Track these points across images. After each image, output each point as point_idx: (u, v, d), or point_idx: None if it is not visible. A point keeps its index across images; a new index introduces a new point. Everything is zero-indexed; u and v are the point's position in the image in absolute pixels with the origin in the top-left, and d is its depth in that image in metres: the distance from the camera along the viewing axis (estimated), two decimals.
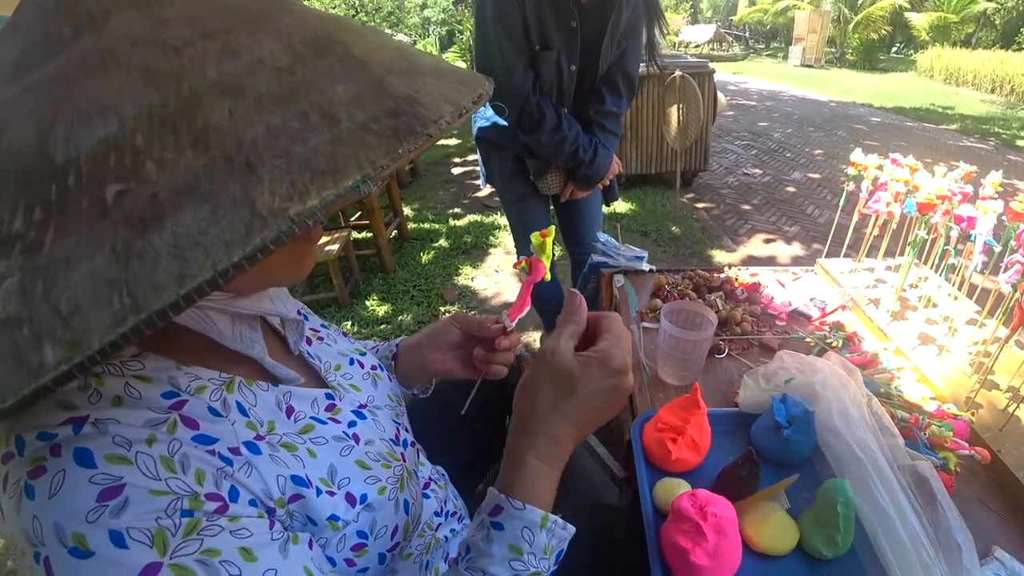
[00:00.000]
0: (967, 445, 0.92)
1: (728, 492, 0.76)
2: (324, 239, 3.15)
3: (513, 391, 0.63)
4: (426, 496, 0.81)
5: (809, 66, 20.15)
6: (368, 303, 3.29)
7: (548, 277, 0.73)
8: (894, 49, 25.40)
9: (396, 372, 0.91)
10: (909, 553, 0.66)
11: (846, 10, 21.17)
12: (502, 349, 0.79)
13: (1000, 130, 9.14)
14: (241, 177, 0.30)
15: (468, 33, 14.49)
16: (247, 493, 0.49)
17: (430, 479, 0.86)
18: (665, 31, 1.77)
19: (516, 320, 0.75)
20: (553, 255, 0.75)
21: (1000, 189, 1.24)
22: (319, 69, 0.35)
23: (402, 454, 0.70)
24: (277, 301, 0.62)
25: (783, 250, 4.09)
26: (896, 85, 15.52)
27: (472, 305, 3.30)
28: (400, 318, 3.15)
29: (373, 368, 0.79)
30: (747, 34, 30.66)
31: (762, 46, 30.48)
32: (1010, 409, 1.03)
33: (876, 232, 1.43)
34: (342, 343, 0.79)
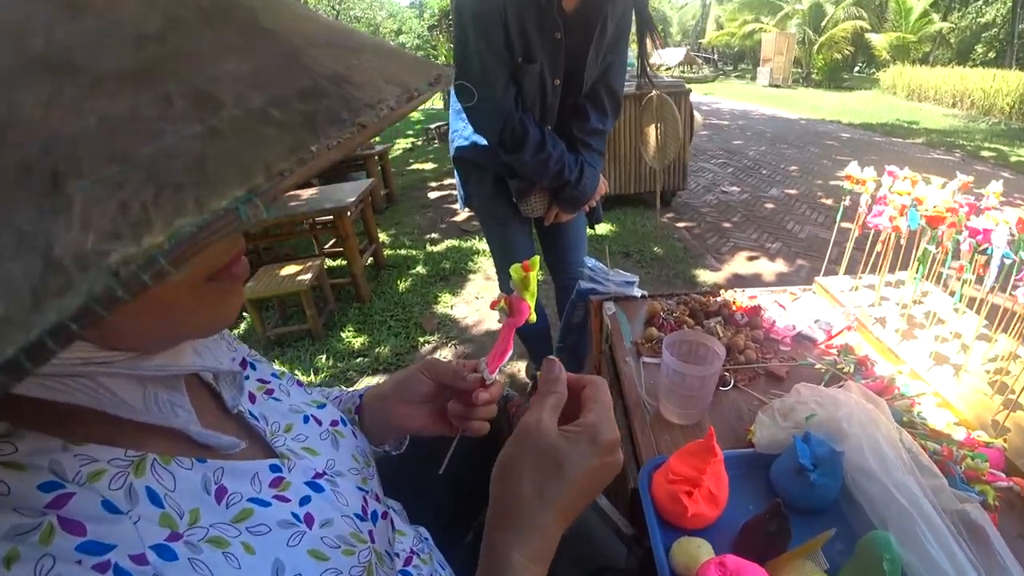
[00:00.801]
0: (1004, 476, 0.83)
1: (754, 552, 0.65)
2: (296, 268, 3.02)
3: (500, 434, 0.52)
4: None
5: (777, 86, 20.70)
6: (343, 335, 3.15)
7: (533, 318, 0.61)
8: (856, 68, 26.26)
9: (361, 427, 0.78)
10: None
11: (810, 32, 21.94)
12: (481, 403, 0.66)
13: (964, 142, 9.41)
14: (38, 199, 0.19)
15: (443, 59, 14.61)
16: None
17: (412, 552, 0.72)
18: (658, 44, 1.69)
19: (497, 370, 0.64)
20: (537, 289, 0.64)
21: (1001, 199, 1.18)
22: (205, 39, 0.24)
23: (370, 532, 0.57)
24: (204, 352, 0.50)
25: (767, 267, 4.05)
26: (861, 102, 16.01)
27: (452, 334, 3.17)
28: (377, 350, 3.01)
29: (333, 424, 0.66)
30: (716, 56, 31.45)
31: (731, 68, 31.30)
32: None
33: (880, 248, 1.35)
34: (296, 395, 0.66)
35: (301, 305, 3.00)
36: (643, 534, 0.76)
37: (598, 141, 1.76)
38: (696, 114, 4.93)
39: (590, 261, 1.60)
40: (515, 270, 0.60)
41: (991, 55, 22.18)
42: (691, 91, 4.71)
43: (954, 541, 0.64)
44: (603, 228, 4.67)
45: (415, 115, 16.28)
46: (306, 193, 3.69)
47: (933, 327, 1.30)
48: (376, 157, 5.36)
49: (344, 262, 4.09)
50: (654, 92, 4.00)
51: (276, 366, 0.71)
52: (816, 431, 0.81)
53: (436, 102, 18.90)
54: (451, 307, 3.49)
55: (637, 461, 0.96)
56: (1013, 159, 8.08)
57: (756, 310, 1.35)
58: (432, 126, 10.35)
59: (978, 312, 1.21)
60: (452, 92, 1.80)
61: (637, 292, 1.52)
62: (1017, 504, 0.84)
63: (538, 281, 0.63)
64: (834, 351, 1.22)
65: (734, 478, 0.81)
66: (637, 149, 4.66)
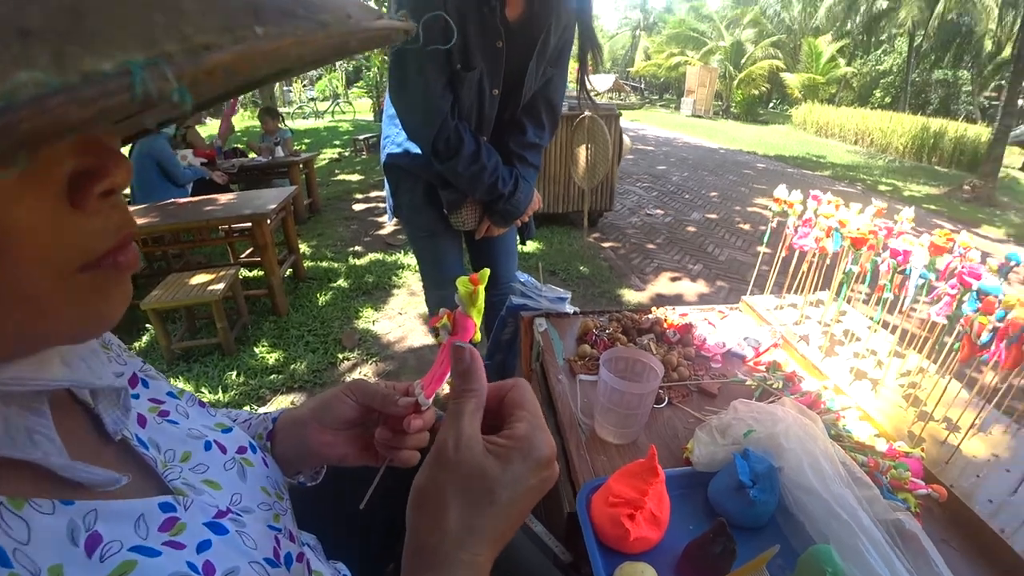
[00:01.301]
0: (924, 484, 0.86)
1: (698, 573, 0.61)
2: (208, 277, 2.82)
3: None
4: None
5: (699, 116, 21.83)
6: (257, 350, 2.95)
7: (478, 337, 0.54)
8: (772, 104, 28.14)
9: (273, 454, 0.67)
10: None
11: (731, 68, 23.40)
12: (413, 431, 0.58)
13: (864, 176, 10.30)
14: None
15: (375, 70, 14.40)
16: None
17: None
18: (601, 60, 1.68)
19: (434, 395, 0.56)
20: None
21: (913, 224, 1.25)
22: None
23: None
24: (77, 364, 0.41)
25: (690, 287, 4.17)
26: (776, 136, 17.19)
27: (374, 351, 3.04)
28: (293, 367, 2.83)
29: (240, 451, 0.56)
30: (643, 85, 32.80)
31: (656, 97, 32.71)
32: (952, 441, 0.99)
33: (805, 267, 1.40)
34: (197, 418, 0.55)
35: (212, 317, 2.79)
36: (582, 561, 0.71)
37: (534, 155, 1.73)
38: (625, 138, 5.07)
39: (522, 276, 1.56)
40: (462, 283, 0.53)
41: (887, 100, 24.48)
42: (621, 115, 4.84)
43: (891, 551, 0.64)
44: (530, 246, 4.68)
45: (344, 125, 15.96)
46: (224, 198, 3.48)
47: (851, 344, 1.35)
48: (300, 165, 5.16)
49: (261, 273, 3.87)
50: (586, 114, 4.07)
51: (179, 384, 0.60)
52: (755, 447, 0.79)
53: (365, 112, 18.63)
54: (373, 322, 3.36)
55: (572, 483, 0.92)
56: (906, 193, 8.91)
57: (688, 328, 1.35)
58: (361, 137, 10.13)
59: (892, 332, 1.28)
60: (387, 98, 1.73)
61: (569, 309, 1.50)
62: (935, 510, 0.88)
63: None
64: (763, 368, 1.24)
65: (672, 498, 0.79)
66: (567, 169, 4.72)
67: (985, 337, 0.93)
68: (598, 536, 0.73)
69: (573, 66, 1.71)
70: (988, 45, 19.82)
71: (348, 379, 0.59)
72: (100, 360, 0.45)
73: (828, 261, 1.34)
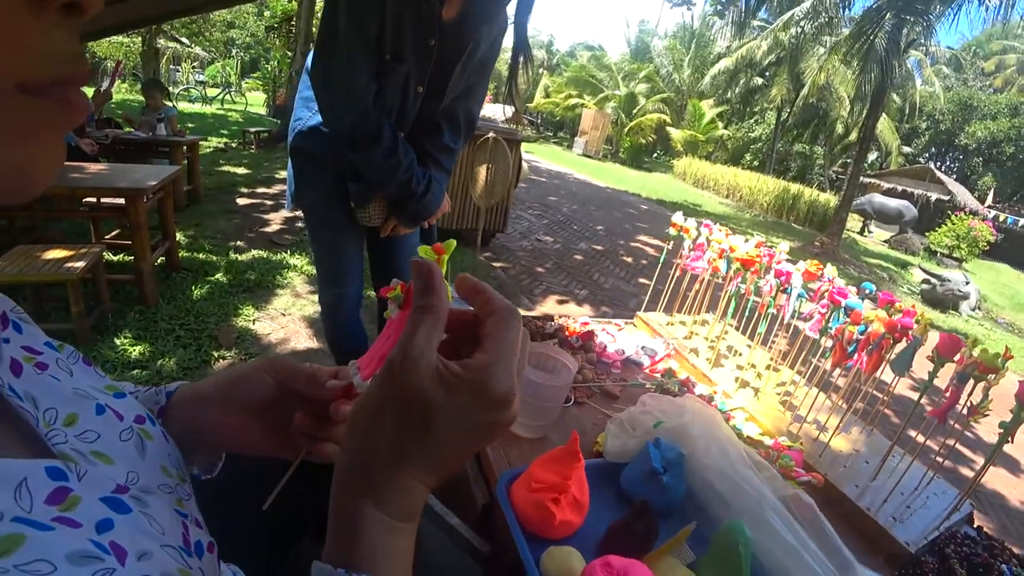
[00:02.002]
0: (805, 471, 0.97)
1: (623, 552, 0.63)
2: (64, 253, 2.49)
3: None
4: None
5: (589, 156, 22.96)
6: (118, 341, 2.65)
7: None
8: (656, 154, 30.23)
9: None
10: None
11: (623, 115, 24.88)
12: (341, 420, 0.51)
13: (734, 226, 11.33)
14: None
15: (274, 63, 13.72)
16: None
17: None
18: (531, 70, 1.70)
19: (372, 376, 0.46)
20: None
21: (787, 256, 1.40)
22: None
23: (200, 569, 0.40)
24: None
25: (576, 311, 4.33)
26: (658, 183, 18.53)
27: (253, 351, 2.84)
28: (161, 362, 2.57)
29: (139, 420, 0.46)
30: (539, 121, 33.95)
31: (551, 133, 33.96)
32: (822, 439, 1.15)
33: (698, 287, 1.51)
34: (82, 376, 0.45)
35: (65, 299, 2.47)
36: (503, 551, 0.69)
37: (448, 159, 1.71)
38: (524, 164, 5.21)
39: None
40: (425, 252, 0.45)
41: (755, 163, 27.41)
42: (522, 141, 4.98)
43: (793, 519, 0.71)
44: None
45: (233, 115, 15.03)
46: (93, 167, 3.11)
47: (734, 358, 1.49)
48: (184, 147, 4.77)
49: (127, 258, 3.50)
50: (491, 134, 4.14)
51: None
52: (664, 437, 0.83)
53: (259, 106, 17.68)
54: (253, 321, 3.14)
55: (486, 477, 0.90)
56: (772, 248, 9.96)
57: (590, 335, 1.40)
58: (252, 130, 9.59)
59: (768, 349, 1.43)
60: (303, 77, 1.65)
61: (469, 308, 1.49)
62: (815, 494, 0.98)
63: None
64: (658, 374, 1.32)
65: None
66: (466, 186, 4.76)
67: (851, 347, 1.09)
68: (521, 523, 0.73)
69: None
70: (839, 128, 22.84)
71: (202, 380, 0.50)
72: None
73: (721, 280, 1.46)
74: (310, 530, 0.95)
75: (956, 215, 14.13)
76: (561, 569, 0.63)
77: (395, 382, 0.38)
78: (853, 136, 20.58)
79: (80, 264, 2.41)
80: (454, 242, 0.47)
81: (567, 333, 1.41)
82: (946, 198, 17.73)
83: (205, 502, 0.59)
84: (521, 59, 1.56)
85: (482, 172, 4.27)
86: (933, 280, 8.12)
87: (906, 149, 26.19)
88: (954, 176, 24.25)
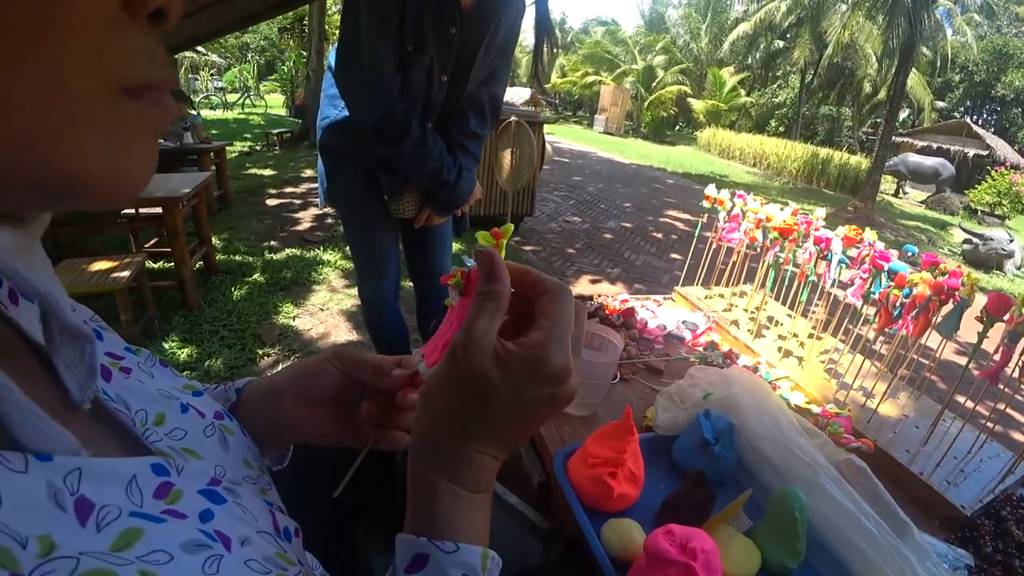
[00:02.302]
0: (854, 438, 0.97)
1: (680, 522, 0.64)
2: (109, 264, 2.59)
3: None
4: None
5: (611, 133, 22.68)
6: (166, 344, 2.75)
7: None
8: (678, 127, 29.72)
9: None
10: (879, 542, 0.64)
11: (643, 90, 24.52)
12: (408, 408, 0.53)
13: (763, 195, 11.02)
14: None
15: (290, 64, 13.84)
16: None
17: None
18: (557, 47, 1.70)
19: (437, 363, 0.48)
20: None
21: (824, 223, 1.38)
22: None
23: (292, 553, 0.42)
24: (35, 272, 0.31)
25: (609, 289, 4.32)
26: (682, 155, 18.24)
27: (295, 347, 2.92)
28: (208, 363, 2.66)
29: (218, 416, 0.48)
30: (558, 101, 33.64)
31: (570, 113, 33.62)
32: (870, 405, 1.14)
33: (735, 259, 1.50)
34: (161, 376, 0.46)
35: (114, 308, 2.56)
36: (563, 526, 0.71)
37: (476, 145, 1.73)
38: (548, 145, 5.19)
39: (470, 261, 1.56)
40: (484, 238, 0.47)
41: (781, 129, 26.73)
42: (544, 123, 4.95)
43: (847, 484, 0.71)
44: (454, 247, 4.67)
45: (255, 118, 15.23)
46: None
47: (776, 328, 1.48)
48: (212, 153, 4.87)
49: (167, 264, 3.60)
50: (513, 118, 4.13)
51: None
52: (714, 408, 0.84)
53: (278, 107, 17.88)
54: (293, 318, 3.22)
55: (540, 455, 0.93)
56: (808, 214, 9.74)
57: (631, 312, 1.41)
58: (274, 131, 9.72)
59: (808, 318, 1.42)
60: (326, 75, 1.67)
61: None
62: (865, 460, 0.98)
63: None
64: (701, 347, 1.32)
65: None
66: (491, 172, 4.76)
67: (896, 311, 1.07)
68: (579, 498, 0.75)
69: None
70: (867, 87, 22.10)
71: (270, 374, 0.52)
72: (61, 290, 0.36)
73: (755, 252, 1.45)
74: (365, 515, 0.98)
75: (996, 170, 13.61)
76: (622, 540, 0.66)
77: (458, 363, 0.40)
78: (882, 94, 19.87)
79: (125, 274, 2.50)
80: (511, 226, 0.48)
81: (608, 311, 1.42)
82: (984, 153, 17.02)
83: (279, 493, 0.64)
84: (545, 38, 1.57)
85: (507, 157, 4.27)
86: (975, 240, 7.85)
87: (939, 104, 25.28)
88: (992, 129, 23.31)
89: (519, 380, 0.40)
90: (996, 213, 12.76)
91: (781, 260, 1.35)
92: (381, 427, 0.55)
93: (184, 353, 2.71)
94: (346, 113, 1.57)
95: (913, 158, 15.21)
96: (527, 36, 1.65)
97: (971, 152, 17.39)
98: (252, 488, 0.44)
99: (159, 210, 2.97)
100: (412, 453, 0.43)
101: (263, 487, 0.47)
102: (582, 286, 4.33)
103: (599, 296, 1.52)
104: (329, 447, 0.60)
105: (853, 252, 1.23)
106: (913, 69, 14.85)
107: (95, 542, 0.28)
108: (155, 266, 3.68)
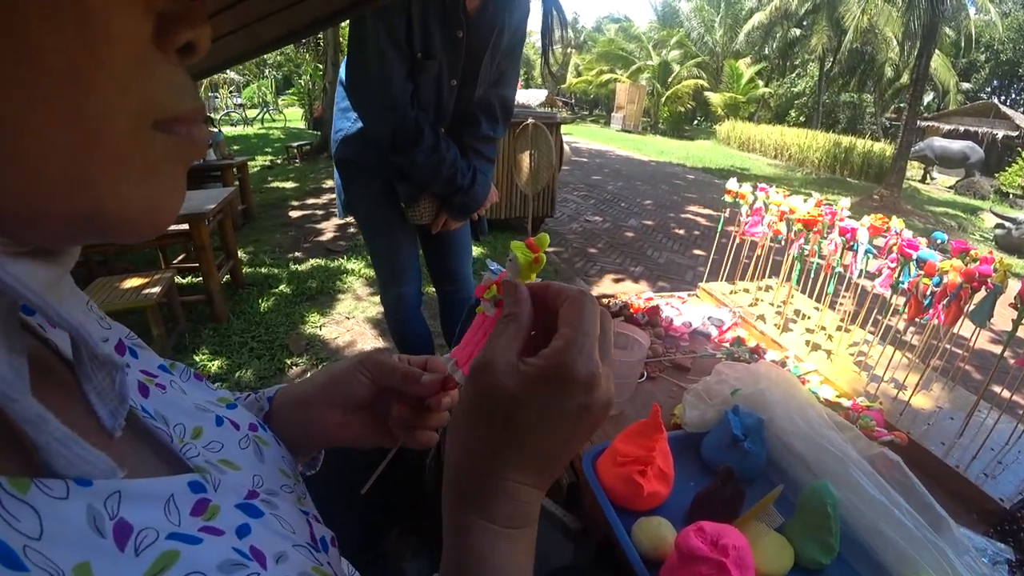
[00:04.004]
0: (887, 431, 0.96)
1: (711, 519, 0.64)
2: (140, 281, 2.66)
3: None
4: None
5: (628, 131, 22.56)
6: (197, 357, 2.81)
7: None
8: (696, 121, 29.46)
9: None
10: (914, 536, 0.63)
11: (659, 86, 24.40)
12: (444, 410, 0.53)
13: (786, 187, 10.86)
14: None
15: (307, 77, 14.07)
16: None
17: None
18: (571, 45, 1.71)
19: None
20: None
21: (849, 212, 1.36)
22: None
23: (328, 564, 0.42)
24: (67, 307, 0.31)
25: (632, 288, 4.30)
26: (701, 150, 18.04)
27: (323, 356, 2.96)
28: (238, 374, 2.72)
29: (252, 428, 0.48)
30: (574, 101, 33.57)
31: (587, 112, 33.54)
32: (902, 397, 1.11)
33: (759, 252, 1.49)
34: (196, 392, 0.47)
35: (146, 323, 2.63)
36: (595, 527, 0.72)
37: (489, 148, 1.74)
38: (565, 146, 5.19)
39: (493, 265, 1.57)
40: (520, 250, 0.46)
41: (801, 119, 26.35)
42: (562, 123, 4.95)
43: (881, 478, 0.70)
44: (475, 250, 4.69)
45: (275, 132, 15.48)
46: None
47: (803, 322, 1.46)
48: (234, 169, 4.96)
49: (195, 279, 3.68)
50: (529, 120, 4.14)
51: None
52: (742, 404, 0.84)
53: (297, 120, 18.15)
54: (320, 327, 3.27)
55: None
56: (832, 204, 9.59)
57: (655, 310, 1.40)
58: (294, 144, 9.86)
59: (836, 310, 1.41)
60: (338, 89, 1.70)
61: None
62: (899, 453, 0.97)
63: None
64: (727, 343, 1.31)
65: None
66: (510, 175, 4.77)
67: (927, 300, 1.05)
68: (609, 498, 0.75)
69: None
70: (888, 72, 21.64)
71: (299, 381, 0.54)
72: (91, 320, 0.37)
73: (779, 245, 1.43)
74: (398, 522, 0.99)
75: None
76: (653, 539, 0.66)
77: (477, 385, 0.40)
78: (905, 78, 19.44)
79: (156, 290, 2.56)
80: (546, 236, 0.47)
81: (632, 310, 1.42)
82: (1014, 134, 16.53)
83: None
84: (556, 35, 1.57)
85: (525, 159, 4.28)
86: (1008, 224, 7.63)
87: (965, 86, 24.63)
88: (1021, 109, 22.60)
89: (544, 394, 0.38)
90: None
91: (806, 252, 1.33)
92: (413, 428, 0.56)
93: (215, 365, 2.77)
94: (359, 125, 1.60)
95: (939, 142, 14.85)
96: (535, 39, 1.65)
97: (1000, 133, 16.91)
98: (289, 497, 0.45)
99: (186, 226, 3.03)
100: (445, 486, 0.41)
101: (299, 495, 0.47)
102: (605, 285, 4.32)
103: (623, 295, 1.52)
104: (361, 449, 0.60)
105: (880, 241, 1.21)
106: (936, 51, 14.50)
107: (132, 567, 0.28)
108: (184, 281, 3.77)
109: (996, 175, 14.03)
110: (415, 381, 0.54)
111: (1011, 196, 12.66)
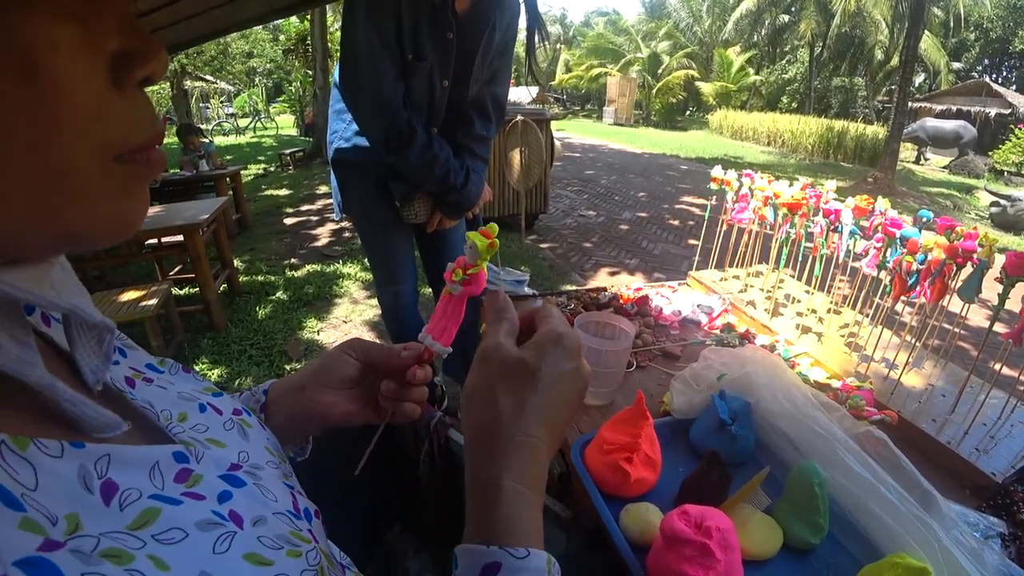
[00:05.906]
0: (876, 410, 0.96)
1: (698, 503, 0.65)
2: (137, 294, 2.67)
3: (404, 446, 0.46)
4: None
5: (621, 124, 22.53)
6: (197, 367, 2.81)
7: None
8: (688, 111, 29.40)
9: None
10: (901, 512, 0.64)
11: (649, 78, 24.35)
12: (417, 381, 0.59)
13: (780, 173, 10.88)
14: None
15: (297, 84, 14.06)
16: None
17: (343, 565, 0.61)
18: (548, 45, 1.72)
19: (449, 344, 0.58)
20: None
21: (835, 194, 1.36)
22: None
23: (309, 531, 0.44)
24: (63, 291, 0.35)
25: (628, 280, 4.29)
26: (694, 140, 18.01)
27: None
28: (239, 381, 2.72)
29: (236, 413, 0.51)
30: (565, 96, 33.54)
31: (579, 107, 33.50)
32: (893, 376, 1.11)
33: (746, 239, 1.49)
34: (183, 383, 0.50)
35: (144, 336, 2.64)
36: (584, 515, 0.72)
37: (482, 147, 1.75)
38: (556, 142, 5.19)
39: (491, 265, 1.58)
40: (477, 238, 0.54)
41: (794, 105, 26.28)
42: (552, 119, 4.95)
43: (868, 456, 0.71)
44: None
45: (267, 140, 15.48)
46: (150, 211, 3.30)
47: (793, 306, 1.47)
48: (227, 179, 4.97)
49: (192, 290, 3.70)
50: (519, 118, 4.14)
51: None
52: (729, 388, 0.84)
53: (288, 128, 18.15)
54: (318, 332, 3.27)
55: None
56: (818, 187, 9.57)
57: (644, 300, 1.41)
58: (286, 151, 9.86)
59: (827, 292, 1.41)
60: (332, 91, 1.71)
61: (527, 290, 1.52)
62: (890, 432, 0.97)
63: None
64: (717, 330, 1.32)
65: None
66: (502, 172, 4.77)
67: (911, 278, 1.05)
68: (597, 485, 0.76)
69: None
70: (879, 54, 21.62)
71: (291, 373, 0.57)
72: (87, 299, 0.39)
73: (768, 231, 1.44)
74: (400, 520, 1.00)
75: (1021, 128, 13.19)
76: (640, 524, 0.66)
77: (494, 362, 0.48)
78: (895, 61, 19.37)
79: (153, 302, 2.57)
80: (495, 225, 0.56)
81: (622, 301, 1.42)
82: (1007, 111, 16.52)
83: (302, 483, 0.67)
84: (536, 36, 1.58)
85: (516, 156, 4.28)
86: (1003, 201, 7.63)
87: (956, 65, 24.62)
88: (1013, 87, 22.55)
89: (552, 356, 0.48)
90: (1023, 173, 12.39)
91: (793, 236, 1.34)
92: (397, 400, 0.62)
93: (214, 374, 2.77)
94: (354, 126, 1.61)
95: (932, 123, 14.85)
96: (524, 37, 1.66)
97: (993, 111, 16.89)
98: (275, 472, 0.48)
99: (180, 238, 3.04)
100: (470, 451, 0.47)
101: (285, 473, 0.50)
102: (601, 279, 4.32)
103: (612, 287, 1.52)
104: (347, 430, 0.66)
105: (866, 222, 1.22)
106: (925, 31, 14.49)
107: (116, 520, 0.31)
108: (181, 292, 3.77)
109: (990, 153, 14.02)
110: (396, 355, 0.61)
111: (1005, 174, 12.65)
